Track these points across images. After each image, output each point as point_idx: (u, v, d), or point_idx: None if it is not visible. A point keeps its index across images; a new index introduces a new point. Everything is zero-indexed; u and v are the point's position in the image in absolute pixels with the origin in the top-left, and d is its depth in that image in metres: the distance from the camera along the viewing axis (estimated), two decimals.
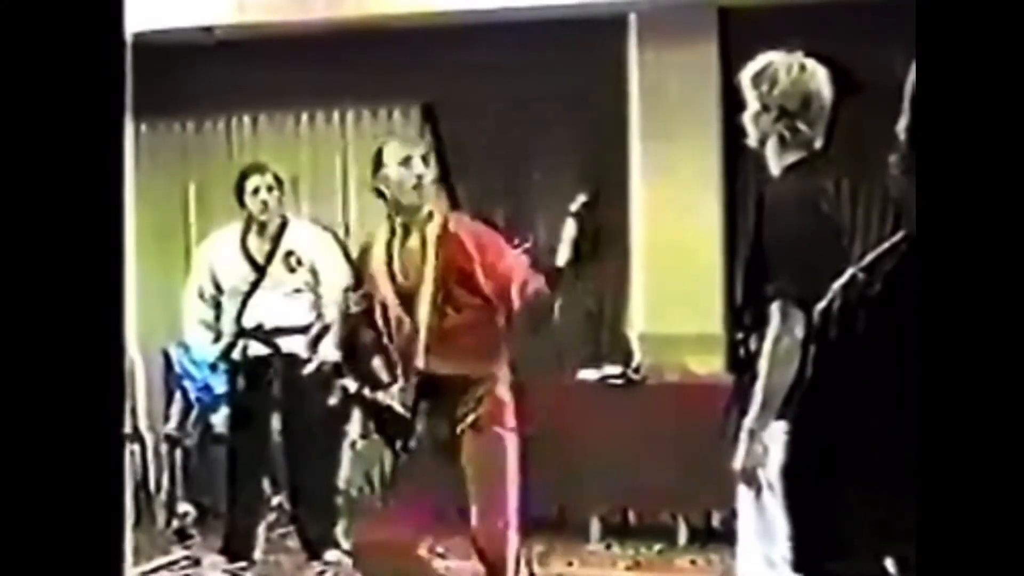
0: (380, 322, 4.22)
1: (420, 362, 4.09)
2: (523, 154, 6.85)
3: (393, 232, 4.23)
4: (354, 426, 5.82)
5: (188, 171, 7.33)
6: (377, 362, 4.27)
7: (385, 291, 4.19)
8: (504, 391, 4.24)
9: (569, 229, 6.65)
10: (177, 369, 6.63)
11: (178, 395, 6.68)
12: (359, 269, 4.42)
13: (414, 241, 4.17)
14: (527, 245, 4.33)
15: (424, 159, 4.23)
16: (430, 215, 4.20)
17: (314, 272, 5.51)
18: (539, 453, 6.07)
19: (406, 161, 4.19)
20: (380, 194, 4.23)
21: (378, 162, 4.22)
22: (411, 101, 6.97)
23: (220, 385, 6.01)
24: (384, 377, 4.24)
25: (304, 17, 6.52)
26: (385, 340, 4.22)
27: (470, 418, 4.13)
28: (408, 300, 4.13)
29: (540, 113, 6.74)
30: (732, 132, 3.41)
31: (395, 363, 4.20)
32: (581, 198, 6.64)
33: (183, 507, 6.48)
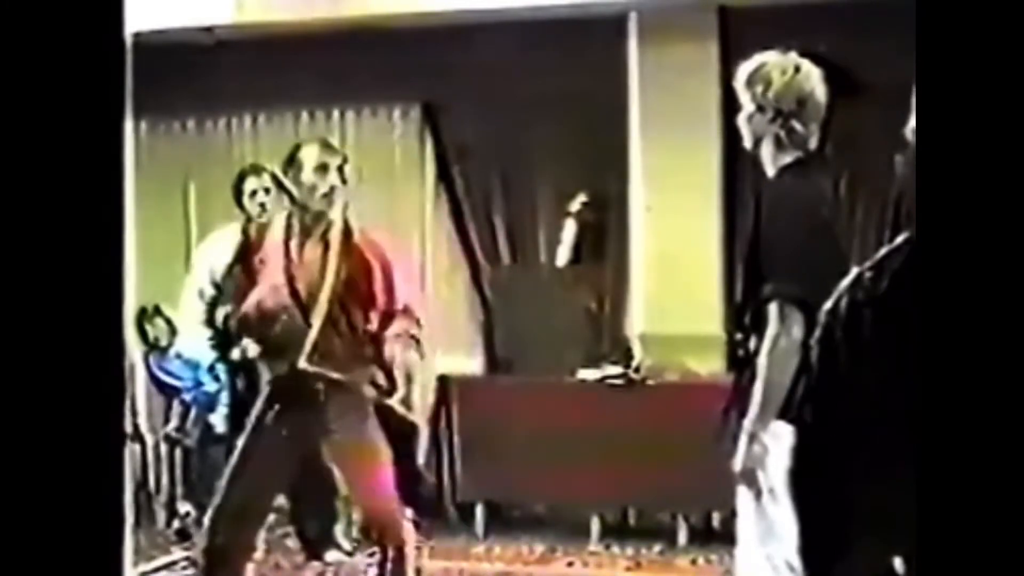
0: (262, 311, 4.24)
1: (302, 362, 4.13)
2: (523, 154, 6.85)
3: (289, 229, 4.24)
4: None
5: (188, 171, 7.32)
6: (254, 350, 4.33)
7: (278, 286, 4.20)
8: (368, 400, 4.28)
9: (569, 229, 6.69)
10: (158, 374, 6.64)
11: (178, 394, 6.69)
12: (242, 257, 4.41)
13: (314, 246, 4.20)
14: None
15: (340, 170, 4.22)
16: (330, 225, 4.21)
17: None
18: (539, 453, 6.09)
19: (322, 168, 4.18)
20: (285, 190, 4.23)
21: (292, 159, 4.22)
22: (411, 101, 6.97)
23: (212, 384, 6.01)
24: (261, 369, 4.30)
25: (304, 17, 6.52)
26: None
27: (338, 423, 4.17)
28: (300, 300, 4.17)
29: (540, 113, 6.73)
30: (732, 132, 3.41)
31: (274, 354, 4.24)
32: (581, 198, 6.67)
33: (184, 507, 6.48)
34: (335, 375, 4.17)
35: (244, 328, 4.34)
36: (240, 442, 4.27)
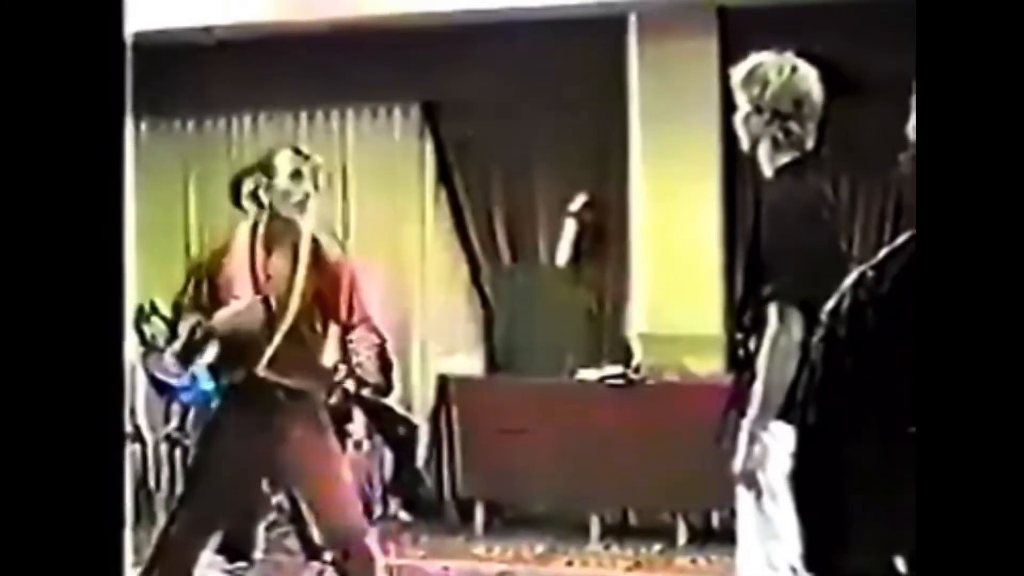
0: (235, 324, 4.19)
1: (260, 369, 4.08)
2: (523, 154, 6.85)
3: (254, 238, 4.19)
4: (354, 426, 5.83)
5: (188, 171, 7.33)
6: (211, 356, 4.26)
7: (244, 295, 4.15)
8: (323, 412, 4.24)
9: (569, 229, 6.70)
10: (156, 373, 6.63)
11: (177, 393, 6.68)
12: (202, 271, 4.33)
13: (282, 254, 4.14)
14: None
15: (314, 176, 4.18)
16: (299, 231, 4.16)
17: None
18: (539, 453, 6.09)
19: (296, 175, 4.14)
20: (257, 200, 4.19)
21: (267, 169, 4.17)
22: (411, 101, 6.98)
23: (209, 383, 6.01)
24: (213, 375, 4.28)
25: (304, 17, 6.53)
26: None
27: (296, 432, 4.10)
28: (269, 309, 4.11)
29: (540, 113, 6.74)
30: (732, 132, 3.40)
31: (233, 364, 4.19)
32: (581, 198, 6.67)
33: None
34: (292, 383, 4.10)
35: (211, 338, 4.26)
36: (194, 449, 4.23)
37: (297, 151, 4.25)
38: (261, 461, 4.18)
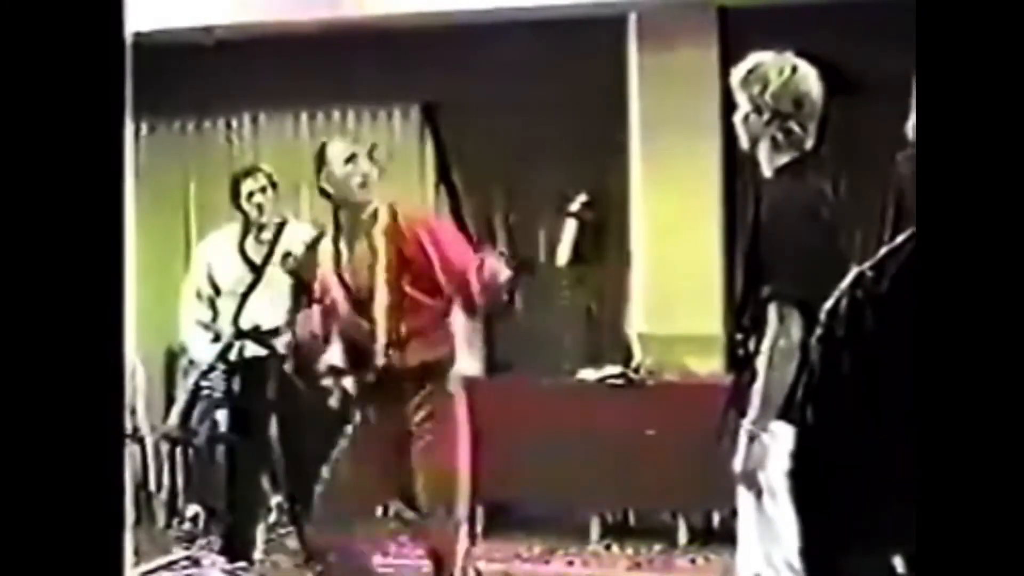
0: (334, 322, 4.19)
1: (379, 360, 4.08)
2: (523, 154, 6.85)
3: (339, 232, 4.18)
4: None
5: (188, 171, 7.33)
6: (336, 357, 4.26)
7: (337, 296, 4.15)
8: (456, 386, 4.24)
9: (569, 229, 6.69)
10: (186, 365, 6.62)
11: (179, 394, 6.67)
12: (303, 273, 4.35)
13: (363, 245, 4.12)
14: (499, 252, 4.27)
15: (370, 155, 4.16)
16: (376, 214, 4.14)
17: None
18: (540, 453, 6.09)
19: (351, 159, 4.12)
20: (325, 194, 4.17)
21: (321, 160, 4.15)
22: (411, 101, 6.97)
23: (218, 385, 6.01)
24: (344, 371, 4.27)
25: (304, 17, 6.52)
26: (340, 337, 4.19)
27: (421, 414, 4.11)
28: (362, 303, 4.11)
29: (540, 113, 6.73)
30: (732, 133, 3.40)
31: (355, 358, 4.18)
32: (581, 198, 6.67)
33: (192, 509, 6.48)
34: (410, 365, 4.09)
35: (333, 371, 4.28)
36: (336, 452, 4.23)
37: (348, 138, 4.22)
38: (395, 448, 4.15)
